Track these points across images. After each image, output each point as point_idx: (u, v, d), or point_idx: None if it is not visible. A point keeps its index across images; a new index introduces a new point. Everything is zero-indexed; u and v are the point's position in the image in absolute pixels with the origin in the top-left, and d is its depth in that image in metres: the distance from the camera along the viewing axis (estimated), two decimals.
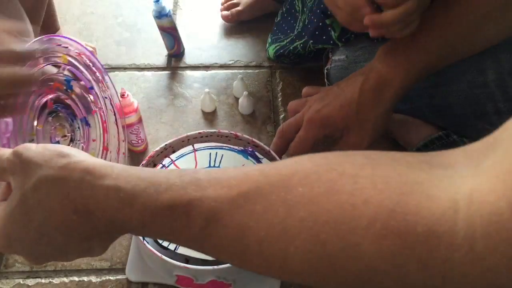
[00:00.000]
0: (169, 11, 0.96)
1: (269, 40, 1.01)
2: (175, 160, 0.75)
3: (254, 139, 0.78)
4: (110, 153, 0.68)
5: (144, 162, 0.76)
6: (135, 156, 0.87)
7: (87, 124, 0.67)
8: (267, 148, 0.77)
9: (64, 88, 0.63)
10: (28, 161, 0.41)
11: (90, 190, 0.40)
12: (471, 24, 0.64)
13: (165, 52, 1.05)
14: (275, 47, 0.98)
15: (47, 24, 0.95)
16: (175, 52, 1.03)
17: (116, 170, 0.41)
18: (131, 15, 1.13)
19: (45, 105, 0.64)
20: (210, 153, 0.76)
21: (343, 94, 0.70)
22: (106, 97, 0.64)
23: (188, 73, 1.02)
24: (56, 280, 0.74)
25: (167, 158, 0.75)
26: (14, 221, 0.41)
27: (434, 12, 0.63)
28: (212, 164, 0.74)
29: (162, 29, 0.99)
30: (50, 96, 0.64)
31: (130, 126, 0.83)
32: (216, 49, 1.06)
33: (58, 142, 0.69)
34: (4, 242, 0.42)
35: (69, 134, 0.67)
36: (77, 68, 0.61)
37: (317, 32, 0.89)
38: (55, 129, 0.68)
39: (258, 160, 0.76)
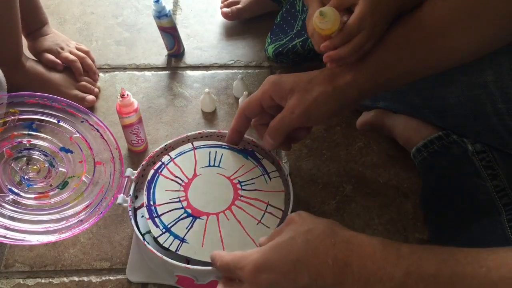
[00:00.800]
0: (169, 11, 0.96)
1: (268, 40, 1.01)
2: (174, 158, 0.75)
3: (254, 139, 0.78)
4: (104, 165, 0.72)
5: (144, 162, 0.76)
6: (135, 156, 0.87)
7: (68, 151, 0.72)
8: (276, 158, 0.77)
9: (26, 133, 0.70)
10: (305, 217, 0.55)
11: (357, 247, 0.47)
12: (433, 35, 0.62)
13: (165, 52, 1.05)
14: (274, 46, 0.98)
15: (31, 16, 0.93)
16: (175, 52, 1.03)
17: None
18: (131, 15, 1.13)
19: (1, 156, 0.71)
20: (209, 152, 0.76)
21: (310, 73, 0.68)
22: (82, 121, 0.70)
23: (188, 73, 1.02)
24: (56, 280, 0.74)
25: (166, 156, 0.75)
26: (277, 250, 0.52)
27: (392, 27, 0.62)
28: (212, 164, 0.74)
29: (162, 29, 0.99)
30: (5, 148, 0.70)
31: (130, 126, 0.83)
32: (216, 49, 1.06)
33: (31, 179, 0.73)
34: (261, 265, 0.52)
35: (46, 165, 0.72)
36: (35, 112, 0.69)
37: None
38: (22, 170, 0.72)
39: (258, 161, 0.76)
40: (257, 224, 0.68)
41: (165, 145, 0.77)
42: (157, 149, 0.77)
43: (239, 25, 1.11)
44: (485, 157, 0.73)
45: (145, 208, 0.68)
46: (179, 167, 0.74)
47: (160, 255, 0.65)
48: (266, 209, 0.70)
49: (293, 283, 0.50)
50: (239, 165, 0.71)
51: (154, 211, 0.68)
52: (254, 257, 0.54)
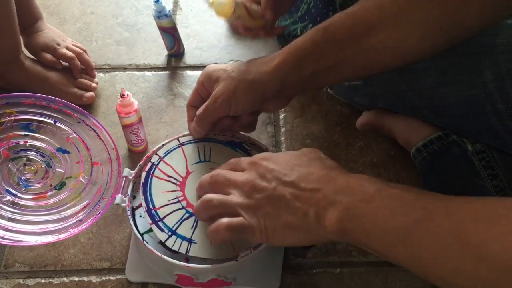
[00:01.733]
0: (169, 11, 0.96)
1: None
2: (163, 157, 0.74)
3: (250, 137, 0.78)
4: (102, 165, 0.73)
5: (141, 162, 0.76)
6: (135, 156, 0.88)
7: (65, 151, 0.73)
8: (264, 146, 0.77)
9: (23, 134, 0.71)
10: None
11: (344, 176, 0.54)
12: (359, 33, 0.59)
13: (165, 52, 1.05)
14: (277, 24, 0.98)
15: (24, 11, 0.92)
16: (175, 52, 1.03)
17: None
18: (131, 15, 1.13)
19: None
20: (198, 147, 0.75)
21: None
22: (79, 121, 0.71)
23: (188, 73, 1.02)
24: (56, 280, 0.74)
25: (155, 156, 0.74)
26: (282, 153, 0.60)
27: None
28: (202, 159, 0.74)
29: (162, 29, 0.99)
30: (1, 149, 0.70)
31: (130, 126, 0.83)
32: (216, 49, 1.06)
33: (28, 179, 0.73)
34: (266, 156, 0.59)
35: (43, 166, 0.73)
36: (32, 113, 0.69)
37: (318, 19, 0.89)
38: (19, 171, 0.72)
39: (247, 152, 0.75)
40: None
41: (162, 145, 0.77)
42: (155, 148, 0.77)
43: None
44: (485, 157, 0.73)
45: (146, 213, 0.68)
46: (170, 166, 0.73)
47: (159, 254, 0.65)
48: None
49: (282, 176, 0.55)
50: (230, 157, 0.70)
51: (156, 215, 0.68)
52: (263, 154, 0.61)
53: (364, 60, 0.61)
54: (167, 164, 0.74)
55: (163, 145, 0.76)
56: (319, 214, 0.51)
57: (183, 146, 0.76)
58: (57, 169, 0.73)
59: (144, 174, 0.72)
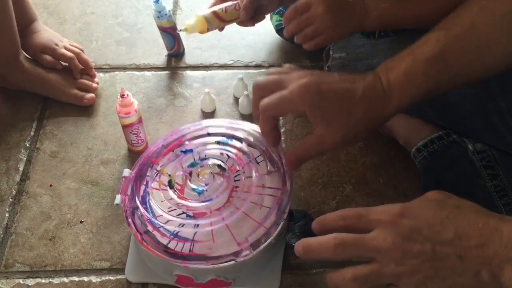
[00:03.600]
0: (169, 11, 0.96)
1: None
2: (159, 169, 0.75)
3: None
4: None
5: (140, 162, 0.76)
6: (135, 156, 0.87)
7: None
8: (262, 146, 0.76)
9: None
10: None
11: (510, 220, 0.48)
12: (473, 46, 0.60)
13: (165, 52, 1.05)
14: (278, 19, 0.98)
15: (18, 13, 0.91)
16: (175, 52, 1.03)
17: None
18: (131, 15, 1.13)
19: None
20: (192, 154, 0.76)
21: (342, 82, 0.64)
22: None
23: (188, 73, 1.02)
24: (56, 280, 0.74)
25: (149, 169, 0.75)
26: (424, 204, 0.51)
27: (436, 35, 0.60)
28: (197, 163, 0.75)
29: (162, 29, 0.99)
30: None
31: (130, 126, 0.83)
32: (216, 49, 1.06)
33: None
34: (408, 210, 0.51)
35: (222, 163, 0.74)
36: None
37: None
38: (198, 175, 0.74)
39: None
40: (260, 208, 0.69)
41: (162, 145, 0.77)
42: (152, 147, 0.77)
43: (238, 25, 1.11)
44: (485, 157, 0.73)
45: (147, 222, 0.68)
46: (166, 175, 0.74)
47: (159, 254, 0.65)
48: (264, 192, 0.70)
49: (435, 234, 0.48)
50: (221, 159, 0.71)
51: (157, 222, 0.68)
52: (399, 205, 0.52)
53: (476, 75, 0.62)
54: (163, 174, 0.74)
55: (162, 145, 0.76)
56: (494, 272, 0.46)
57: (179, 154, 0.76)
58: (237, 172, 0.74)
59: (142, 187, 0.73)
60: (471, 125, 0.74)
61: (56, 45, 0.96)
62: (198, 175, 0.73)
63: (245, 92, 0.92)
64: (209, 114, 0.94)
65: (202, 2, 1.16)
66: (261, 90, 0.62)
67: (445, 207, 0.50)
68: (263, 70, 1.02)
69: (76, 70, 0.96)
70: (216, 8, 0.88)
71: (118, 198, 0.72)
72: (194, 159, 0.75)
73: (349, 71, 0.84)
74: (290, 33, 0.81)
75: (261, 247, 0.66)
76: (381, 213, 0.52)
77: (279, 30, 0.99)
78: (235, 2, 0.88)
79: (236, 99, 0.96)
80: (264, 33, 1.07)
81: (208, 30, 0.89)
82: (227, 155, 0.74)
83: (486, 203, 0.69)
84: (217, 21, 0.88)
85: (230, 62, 1.03)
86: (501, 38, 0.58)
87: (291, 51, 1.04)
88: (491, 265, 0.46)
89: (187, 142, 0.77)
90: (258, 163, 0.73)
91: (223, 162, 0.73)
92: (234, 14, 0.89)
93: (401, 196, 0.82)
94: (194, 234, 0.66)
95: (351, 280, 0.49)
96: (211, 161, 0.74)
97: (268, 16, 1.05)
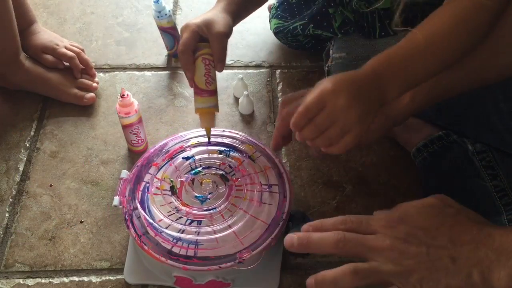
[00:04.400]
0: (169, 11, 0.96)
1: (273, 10, 1.00)
2: (156, 174, 0.75)
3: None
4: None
5: (139, 163, 0.76)
6: (135, 156, 0.87)
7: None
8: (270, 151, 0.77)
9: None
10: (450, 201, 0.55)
11: (503, 227, 0.55)
12: (484, 55, 0.63)
13: (165, 52, 1.05)
14: (277, 23, 0.98)
15: (18, 15, 0.91)
16: (175, 52, 1.03)
17: None
18: (131, 15, 1.13)
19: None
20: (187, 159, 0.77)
21: None
22: None
23: None
24: (56, 280, 0.74)
25: (147, 175, 0.75)
26: (421, 211, 0.54)
27: None
28: (193, 167, 0.76)
29: (162, 29, 0.99)
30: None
31: (130, 126, 0.83)
32: None
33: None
34: (405, 216, 0.54)
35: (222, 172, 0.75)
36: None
37: (318, 17, 0.89)
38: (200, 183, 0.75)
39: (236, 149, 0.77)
40: (260, 205, 0.70)
41: (160, 145, 0.77)
42: (152, 150, 0.77)
43: (239, 25, 1.11)
44: (485, 157, 0.73)
45: (148, 227, 0.68)
46: (168, 180, 0.74)
47: (157, 256, 0.65)
48: (261, 189, 0.71)
49: (431, 239, 0.51)
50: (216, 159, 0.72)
51: (158, 227, 0.68)
52: (395, 213, 0.55)
53: (485, 82, 0.67)
54: (160, 179, 0.74)
55: (160, 145, 0.77)
56: (485, 274, 0.49)
57: (172, 159, 0.77)
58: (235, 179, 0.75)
59: (140, 193, 0.73)
60: (471, 125, 0.74)
61: (57, 45, 0.96)
62: (201, 183, 0.74)
63: (245, 92, 0.91)
64: None
65: (202, 2, 1.16)
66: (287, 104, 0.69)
67: (441, 214, 0.53)
68: (263, 70, 1.02)
69: (77, 69, 0.96)
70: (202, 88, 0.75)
71: (116, 200, 0.72)
72: (196, 166, 0.76)
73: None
74: (307, 139, 0.64)
75: (260, 248, 0.66)
76: (380, 219, 0.55)
77: (277, 33, 0.99)
78: (203, 71, 0.74)
79: (236, 99, 0.96)
80: (264, 33, 1.07)
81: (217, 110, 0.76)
82: (229, 165, 0.76)
83: (486, 203, 0.69)
84: (212, 98, 0.75)
85: (230, 62, 1.03)
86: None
87: (291, 51, 1.04)
88: (482, 266, 0.49)
89: (188, 149, 0.77)
90: (258, 175, 0.74)
91: (225, 172, 0.75)
92: (214, 72, 0.75)
93: (401, 196, 0.82)
94: (196, 241, 0.67)
95: (352, 273, 0.51)
96: (213, 170, 0.75)
97: (267, 17, 1.05)
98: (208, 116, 0.74)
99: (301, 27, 0.92)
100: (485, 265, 0.49)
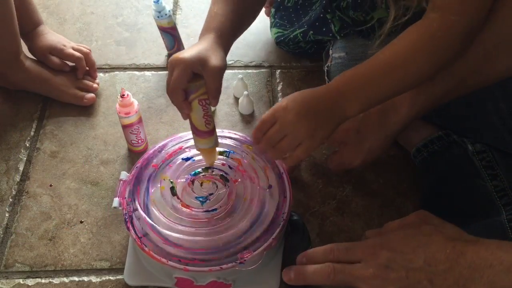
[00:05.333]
0: (169, 11, 0.96)
1: (272, 19, 1.00)
2: (155, 176, 0.75)
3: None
4: None
5: (138, 164, 0.76)
6: (135, 156, 0.87)
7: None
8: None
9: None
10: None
11: (475, 240, 0.55)
12: (480, 57, 0.64)
13: (165, 52, 1.05)
14: (277, 31, 0.98)
15: (25, 16, 0.92)
16: (175, 52, 1.03)
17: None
18: (131, 15, 1.13)
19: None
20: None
21: None
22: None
23: None
24: (56, 280, 0.74)
25: (147, 176, 0.75)
26: (399, 235, 0.59)
27: None
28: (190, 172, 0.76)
29: (162, 29, 0.99)
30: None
31: (130, 126, 0.83)
32: None
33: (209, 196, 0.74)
34: (385, 243, 0.59)
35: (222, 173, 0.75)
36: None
37: (317, 23, 0.90)
38: (201, 185, 0.74)
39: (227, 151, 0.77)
40: (260, 206, 0.70)
41: (159, 146, 0.77)
42: (151, 151, 0.77)
43: None
44: (485, 157, 0.73)
45: (149, 229, 0.68)
46: (168, 181, 0.74)
47: (158, 257, 0.65)
48: (261, 189, 0.72)
49: (408, 262, 0.55)
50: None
51: (159, 228, 0.68)
52: (377, 239, 0.60)
53: (485, 80, 0.68)
54: (160, 180, 0.74)
55: (159, 146, 0.77)
56: None
57: (171, 160, 0.77)
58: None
59: (142, 191, 0.73)
60: (471, 125, 0.74)
61: (64, 45, 0.96)
62: (201, 184, 0.73)
63: (245, 92, 0.91)
64: None
65: (202, 2, 1.16)
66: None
67: (418, 235, 0.58)
68: (263, 70, 1.02)
69: (82, 70, 0.96)
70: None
71: (116, 201, 0.71)
72: (195, 167, 0.76)
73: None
74: (262, 151, 0.71)
75: (260, 249, 0.66)
76: (366, 246, 0.60)
77: (278, 42, 1.00)
78: (201, 112, 0.70)
79: (236, 99, 0.96)
80: (264, 33, 1.07)
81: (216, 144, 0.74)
82: (229, 166, 0.75)
83: (486, 203, 0.69)
84: (212, 136, 0.73)
85: (230, 62, 1.03)
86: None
87: None
88: (458, 285, 0.52)
89: (187, 150, 0.77)
90: (258, 175, 0.74)
91: (225, 172, 0.74)
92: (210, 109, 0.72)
93: (401, 196, 0.82)
94: (197, 242, 0.66)
95: None
96: (214, 171, 0.75)
97: (267, 17, 1.05)
98: (211, 154, 0.74)
99: (302, 34, 0.93)
100: (461, 284, 0.52)
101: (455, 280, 0.52)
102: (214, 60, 0.66)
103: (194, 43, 0.70)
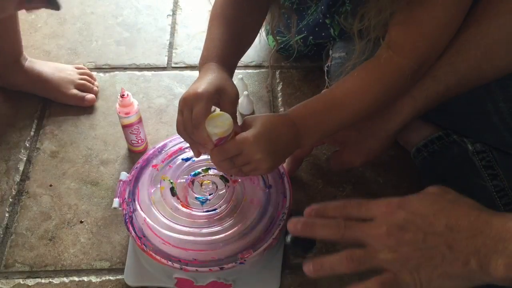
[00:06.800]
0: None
1: (267, 25, 0.97)
2: (155, 176, 0.75)
3: None
4: None
5: (138, 165, 0.76)
6: (135, 156, 0.87)
7: None
8: None
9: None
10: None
11: (501, 214, 0.51)
12: (481, 52, 0.65)
13: (165, 52, 1.05)
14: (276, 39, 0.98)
15: (5, 49, 0.90)
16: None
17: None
18: (131, 15, 1.13)
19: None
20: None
21: None
22: None
23: (188, 73, 1.02)
24: (56, 280, 0.74)
25: (147, 176, 0.75)
26: (420, 198, 0.54)
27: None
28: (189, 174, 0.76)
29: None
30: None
31: (130, 126, 0.83)
32: None
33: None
34: (404, 203, 0.54)
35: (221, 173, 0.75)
36: None
37: (317, 29, 0.90)
38: (201, 185, 0.74)
39: None
40: (260, 205, 0.70)
41: (159, 147, 0.77)
42: (151, 151, 0.77)
43: None
44: (485, 157, 0.73)
45: (149, 229, 0.68)
46: (168, 181, 0.74)
47: (158, 257, 0.65)
48: (261, 189, 0.72)
49: (428, 225, 0.51)
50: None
51: (159, 228, 0.68)
52: (395, 198, 0.55)
53: (486, 76, 0.69)
54: (164, 180, 0.74)
55: (159, 146, 0.77)
56: (482, 262, 0.48)
57: (171, 161, 0.76)
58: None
59: (142, 192, 0.72)
60: (471, 125, 0.74)
61: (67, 83, 0.95)
62: (201, 184, 0.73)
63: (245, 92, 0.91)
64: None
65: (202, 2, 1.16)
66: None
67: (440, 201, 0.53)
68: (263, 70, 1.02)
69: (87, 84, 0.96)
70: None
71: (116, 202, 0.71)
72: (195, 167, 0.76)
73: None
74: (223, 170, 0.69)
75: (261, 248, 0.66)
76: (380, 204, 0.55)
77: (278, 50, 0.99)
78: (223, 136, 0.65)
79: None
80: (264, 33, 1.07)
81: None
82: None
83: (486, 203, 0.69)
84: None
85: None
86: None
87: None
88: (479, 255, 0.48)
89: (187, 150, 0.77)
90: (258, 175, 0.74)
91: (225, 173, 0.74)
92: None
93: (401, 196, 0.82)
94: (197, 242, 0.66)
95: (348, 259, 0.52)
96: (213, 171, 0.75)
97: (267, 18, 1.05)
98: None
99: (302, 40, 0.93)
100: (482, 253, 0.48)
101: (476, 249, 0.48)
102: (229, 88, 0.65)
103: (199, 76, 0.67)
